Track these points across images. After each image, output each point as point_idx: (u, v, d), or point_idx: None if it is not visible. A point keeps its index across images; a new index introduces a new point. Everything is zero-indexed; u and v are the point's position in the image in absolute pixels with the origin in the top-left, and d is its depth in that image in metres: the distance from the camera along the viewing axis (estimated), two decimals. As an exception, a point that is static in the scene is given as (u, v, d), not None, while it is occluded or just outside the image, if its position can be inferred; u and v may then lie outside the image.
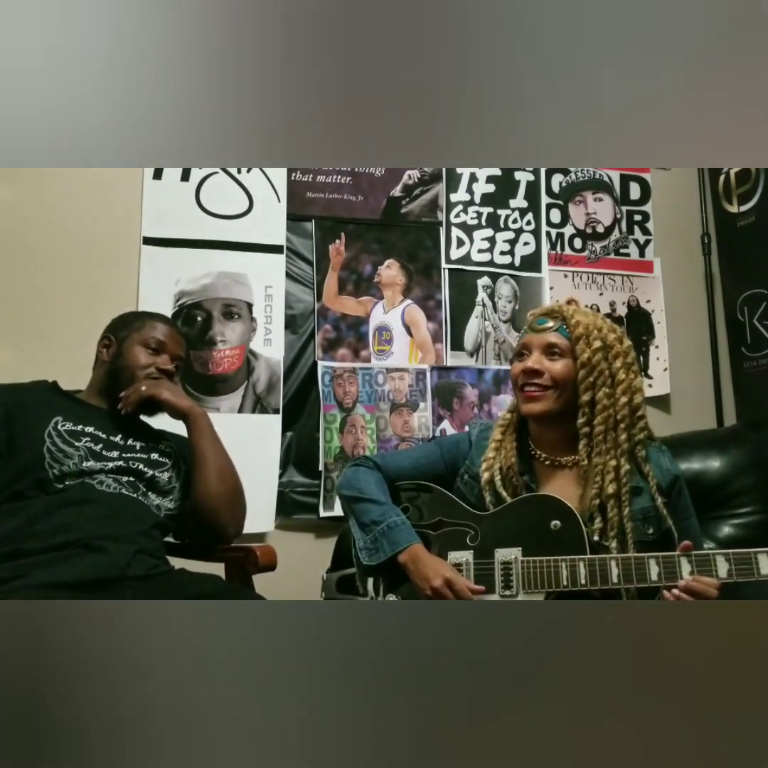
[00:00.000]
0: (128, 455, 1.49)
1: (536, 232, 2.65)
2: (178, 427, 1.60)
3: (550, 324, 1.44)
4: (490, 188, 2.60)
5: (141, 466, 1.49)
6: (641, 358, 2.69)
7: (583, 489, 1.40)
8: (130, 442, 1.52)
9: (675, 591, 1.22)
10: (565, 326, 1.42)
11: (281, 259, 2.36)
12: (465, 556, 1.39)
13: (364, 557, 1.40)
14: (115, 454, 1.47)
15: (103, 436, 1.48)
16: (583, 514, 1.36)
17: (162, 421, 1.62)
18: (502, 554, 1.36)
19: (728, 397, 2.74)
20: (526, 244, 2.63)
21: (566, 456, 1.44)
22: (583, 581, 1.28)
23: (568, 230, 2.68)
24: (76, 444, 1.43)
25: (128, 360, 1.55)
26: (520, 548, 1.35)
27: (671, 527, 1.38)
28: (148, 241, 2.26)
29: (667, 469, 1.44)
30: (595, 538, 1.34)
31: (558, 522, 1.34)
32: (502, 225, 2.60)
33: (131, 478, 1.47)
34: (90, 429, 1.47)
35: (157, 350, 1.57)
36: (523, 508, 1.38)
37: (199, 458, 1.54)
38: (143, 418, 1.60)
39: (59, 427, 1.44)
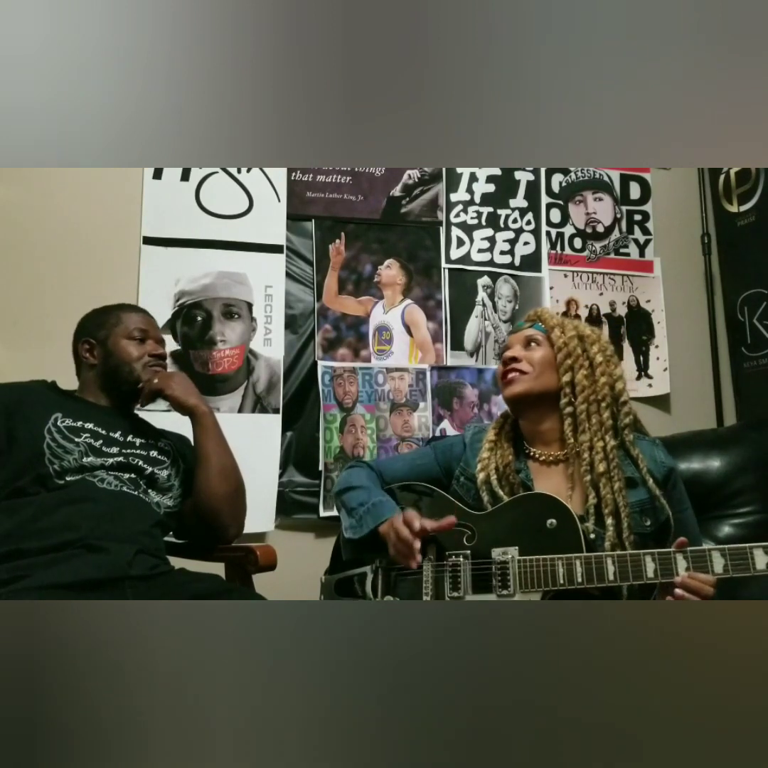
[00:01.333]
0: (128, 451, 1.49)
1: (536, 232, 2.65)
2: (182, 423, 1.60)
3: (527, 325, 1.54)
4: (490, 188, 2.60)
5: (141, 463, 1.49)
6: (641, 358, 2.69)
7: (569, 468, 1.41)
8: (129, 438, 1.52)
9: (677, 591, 1.22)
10: (540, 324, 1.52)
11: (281, 259, 2.36)
12: (462, 556, 1.39)
13: (349, 535, 1.42)
14: (114, 450, 1.47)
15: (103, 432, 1.48)
16: (576, 493, 1.38)
17: (165, 418, 1.62)
18: (499, 554, 1.36)
19: (728, 397, 2.74)
20: (526, 243, 2.63)
21: (560, 451, 1.45)
22: (579, 579, 1.28)
23: (568, 230, 2.68)
24: (76, 440, 1.43)
25: (121, 356, 1.55)
26: (516, 547, 1.35)
27: (669, 517, 1.38)
28: (148, 241, 2.26)
29: (662, 461, 1.45)
30: (592, 519, 1.35)
31: (554, 520, 1.34)
32: (502, 225, 2.60)
33: (132, 475, 1.47)
34: (89, 425, 1.47)
35: (142, 339, 1.58)
36: (519, 507, 1.38)
37: (202, 457, 1.54)
38: (146, 413, 1.60)
39: (59, 423, 1.44)
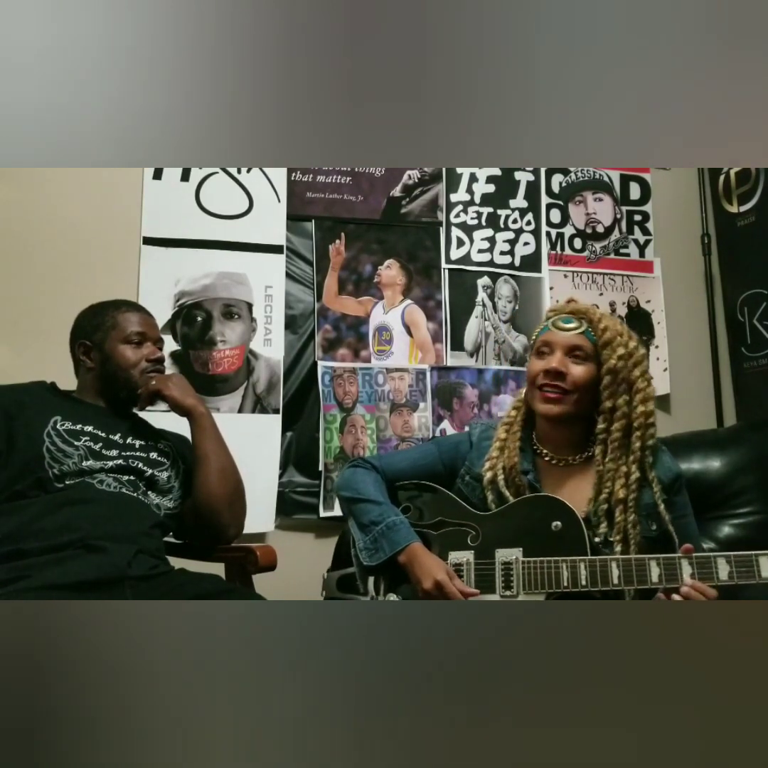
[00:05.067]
0: (127, 453, 1.49)
1: (536, 232, 2.64)
2: (182, 422, 1.59)
3: (576, 325, 1.42)
4: (490, 188, 2.60)
5: (140, 465, 1.49)
6: (641, 359, 2.69)
7: (593, 491, 1.39)
8: (129, 440, 1.52)
9: (675, 597, 1.22)
10: (591, 330, 1.41)
11: (281, 259, 2.36)
12: (466, 556, 1.39)
13: (365, 557, 1.40)
14: (114, 452, 1.47)
15: (103, 434, 1.48)
16: (589, 515, 1.36)
17: (165, 418, 1.62)
18: (503, 554, 1.36)
19: (728, 397, 2.74)
20: (526, 244, 2.62)
21: (572, 456, 1.44)
22: (583, 582, 1.28)
23: (568, 230, 2.68)
24: (76, 443, 1.43)
25: (118, 361, 1.54)
26: (520, 549, 1.35)
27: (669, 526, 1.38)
28: (148, 241, 2.26)
29: (669, 467, 1.45)
30: (597, 539, 1.34)
31: (559, 523, 1.34)
32: (502, 225, 2.60)
33: (131, 477, 1.47)
34: (89, 428, 1.47)
35: (139, 343, 1.56)
36: (525, 508, 1.38)
37: (200, 458, 1.54)
38: (145, 413, 1.60)
39: (58, 426, 1.44)
